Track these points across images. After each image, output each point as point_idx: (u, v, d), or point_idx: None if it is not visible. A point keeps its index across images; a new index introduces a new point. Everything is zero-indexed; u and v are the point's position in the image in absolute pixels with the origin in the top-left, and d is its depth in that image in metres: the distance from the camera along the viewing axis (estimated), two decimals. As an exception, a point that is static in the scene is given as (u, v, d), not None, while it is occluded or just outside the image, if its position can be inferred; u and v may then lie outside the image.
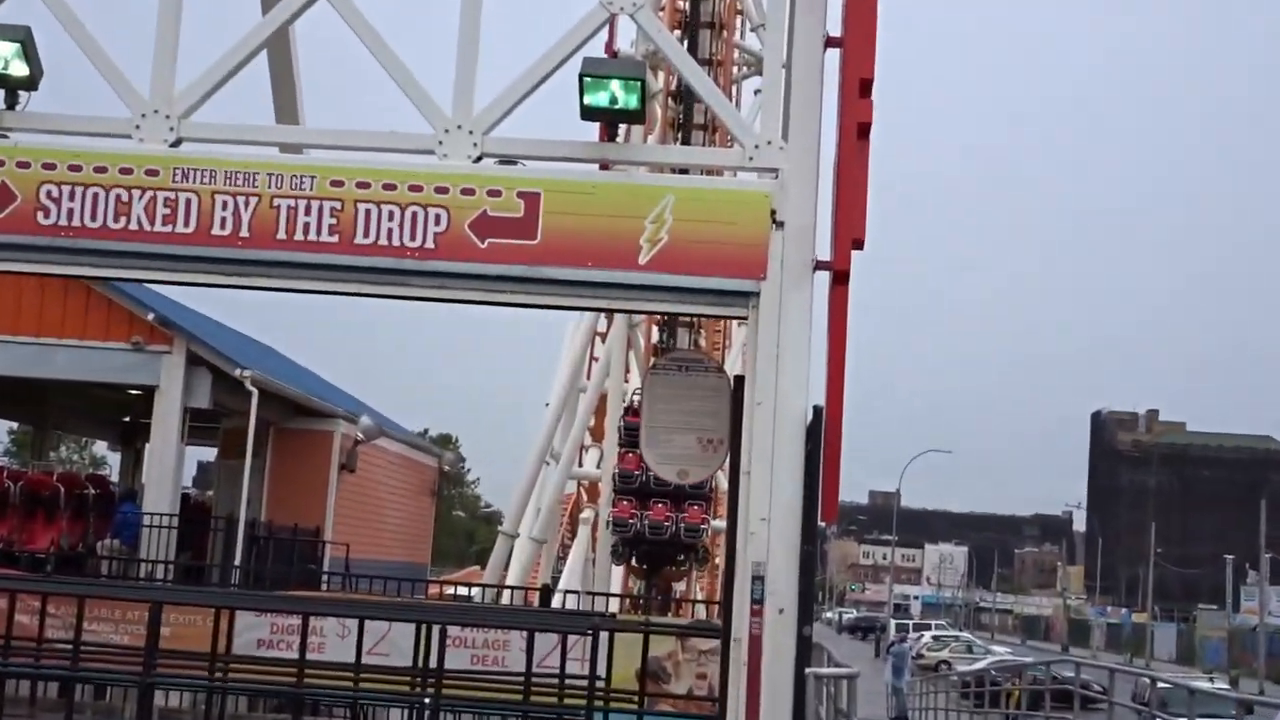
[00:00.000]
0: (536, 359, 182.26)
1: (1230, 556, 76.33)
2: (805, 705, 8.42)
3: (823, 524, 8.81)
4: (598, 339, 31.13)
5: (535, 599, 21.48)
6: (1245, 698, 15.13)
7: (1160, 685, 20.26)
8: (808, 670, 8.57)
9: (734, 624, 8.37)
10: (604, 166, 9.29)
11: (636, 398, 22.61)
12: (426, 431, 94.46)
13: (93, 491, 23.59)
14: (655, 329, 27.02)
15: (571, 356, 29.69)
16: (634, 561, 20.10)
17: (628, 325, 27.07)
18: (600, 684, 11.49)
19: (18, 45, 8.79)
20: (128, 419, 29.27)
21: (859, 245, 8.45)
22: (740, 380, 8.68)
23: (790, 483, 8.24)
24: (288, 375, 26.95)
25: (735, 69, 30.55)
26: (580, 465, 31.70)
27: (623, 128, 9.04)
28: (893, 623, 68.41)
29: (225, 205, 8.60)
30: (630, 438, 17.92)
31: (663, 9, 26.31)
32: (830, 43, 8.69)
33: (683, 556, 19.64)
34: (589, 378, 30.48)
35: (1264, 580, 71.85)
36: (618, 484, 19.29)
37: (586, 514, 31.09)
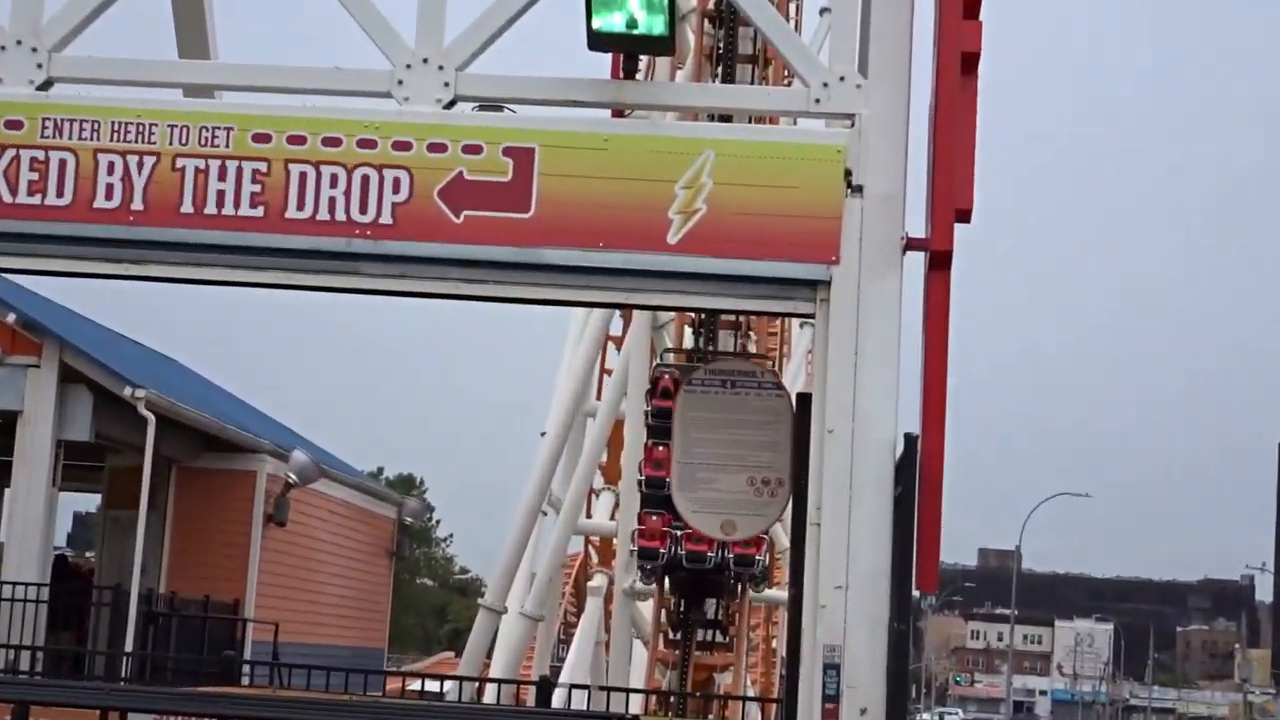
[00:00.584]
0: (528, 373, 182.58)
1: None
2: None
3: (918, 594, 8.78)
4: (611, 346, 31.12)
5: (530, 696, 21.47)
6: None
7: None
8: (899, 792, 8.55)
9: (799, 729, 8.35)
10: (619, 113, 9.29)
11: (669, 356, 22.53)
12: (382, 472, 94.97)
13: (-66, 553, 23.65)
14: (689, 331, 27.00)
15: (575, 370, 29.64)
16: (668, 590, 20.15)
17: (651, 327, 27.04)
18: (618, 811, 11.49)
19: None
20: (-19, 456, 29.39)
21: (964, 218, 8.45)
22: (806, 400, 8.67)
23: (874, 538, 8.23)
24: (195, 397, 27.05)
25: (795, -19, 30.59)
26: (588, 516, 31.66)
27: (644, 60, 9.05)
28: (1012, 727, 68.26)
29: (112, 168, 8.64)
30: (661, 427, 17.51)
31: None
32: (924, -56, 8.70)
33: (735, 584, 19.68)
34: (599, 398, 30.46)
35: None
36: (644, 491, 19.14)
37: (597, 581, 31.03)
